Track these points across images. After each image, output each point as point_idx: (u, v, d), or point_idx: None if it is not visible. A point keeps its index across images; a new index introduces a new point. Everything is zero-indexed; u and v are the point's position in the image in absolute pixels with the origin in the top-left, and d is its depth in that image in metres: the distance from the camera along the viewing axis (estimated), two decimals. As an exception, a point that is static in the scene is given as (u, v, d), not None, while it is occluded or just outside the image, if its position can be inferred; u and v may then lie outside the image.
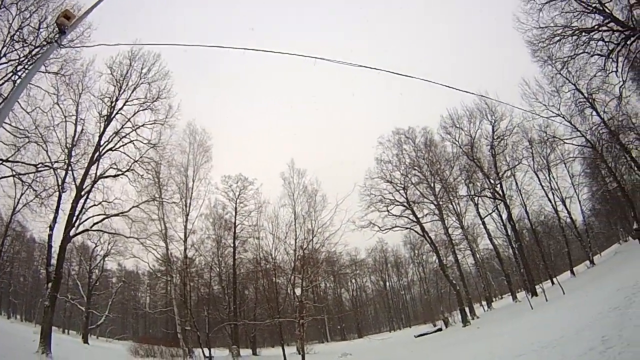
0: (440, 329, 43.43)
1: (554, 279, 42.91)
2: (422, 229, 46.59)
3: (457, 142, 49.53)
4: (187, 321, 35.67)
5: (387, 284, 73.85)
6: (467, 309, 42.34)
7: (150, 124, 33.01)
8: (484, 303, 51.52)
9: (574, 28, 34.17)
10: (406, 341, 39.84)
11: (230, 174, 44.74)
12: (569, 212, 50.56)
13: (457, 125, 49.37)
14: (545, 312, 22.87)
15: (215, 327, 39.02)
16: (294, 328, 27.68)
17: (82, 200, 28.10)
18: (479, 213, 49.20)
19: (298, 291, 28.34)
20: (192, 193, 39.41)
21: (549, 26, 34.88)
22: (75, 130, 29.57)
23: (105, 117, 31.00)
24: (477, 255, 53.78)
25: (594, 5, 32.83)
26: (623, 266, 23.74)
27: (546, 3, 34.11)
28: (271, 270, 37.09)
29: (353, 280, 72.60)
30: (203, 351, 35.40)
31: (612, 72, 34.13)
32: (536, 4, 34.44)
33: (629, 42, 32.29)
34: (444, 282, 52.57)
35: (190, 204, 39.00)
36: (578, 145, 46.36)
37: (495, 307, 47.84)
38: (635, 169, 45.40)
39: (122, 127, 31.75)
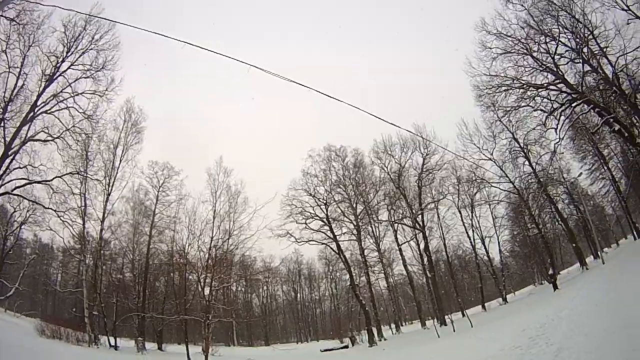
0: (346, 346, 44.36)
1: (465, 312, 44.70)
2: (338, 246, 47.98)
3: (385, 169, 51.37)
4: (95, 306, 34.58)
5: (299, 295, 73.95)
6: (374, 330, 43.54)
7: (90, 94, 33.25)
8: (392, 326, 52.59)
9: (523, 82, 36.60)
10: (311, 354, 40.50)
11: (158, 160, 43.93)
12: (486, 251, 52.84)
13: (389, 152, 51.26)
14: (451, 342, 23.96)
15: (122, 315, 37.56)
16: (200, 327, 27.39)
17: (7, 160, 27.27)
18: (396, 239, 50.80)
19: (207, 290, 28.27)
20: (117, 173, 38.42)
21: (499, 75, 37.02)
22: (16, 85, 29.16)
23: (48, 77, 30.58)
24: (391, 279, 55.32)
25: (548, 64, 35.22)
26: (533, 307, 25.09)
27: (502, 54, 36.27)
28: (183, 265, 36.52)
29: (265, 287, 71.92)
30: (109, 339, 34.18)
31: (551, 128, 36.76)
32: (492, 53, 36.54)
33: (573, 105, 34.79)
34: (354, 301, 53.27)
35: (113, 183, 37.99)
36: (505, 190, 49.28)
37: (403, 332, 49.16)
38: (559, 219, 48.90)
39: (61, 91, 31.48)
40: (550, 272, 41.55)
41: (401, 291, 63.87)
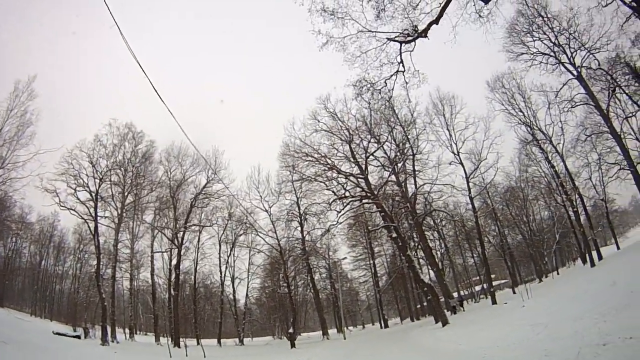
0: (79, 337, 41.95)
1: (200, 341, 49.37)
2: (96, 228, 43.88)
3: (168, 173, 53.77)
4: None
5: (43, 262, 67.31)
6: (109, 329, 43.06)
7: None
8: (127, 330, 54.12)
9: (330, 162, 44.42)
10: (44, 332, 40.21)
11: None
12: (234, 290, 60.81)
13: (179, 161, 53.99)
14: None
15: None
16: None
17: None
18: (152, 245, 53.72)
19: None
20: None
21: (312, 147, 45.18)
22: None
23: None
24: (135, 282, 58.34)
25: (360, 160, 43.58)
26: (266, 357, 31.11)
27: (326, 132, 44.46)
28: None
29: (13, 239, 64.36)
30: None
31: (334, 210, 43.57)
32: (318, 126, 44.44)
33: (364, 201, 43.52)
34: (95, 291, 50.35)
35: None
36: (269, 244, 56.55)
37: (137, 340, 50.96)
38: (311, 288, 57.11)
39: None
40: (291, 330, 46.91)
41: (142, 299, 65.12)
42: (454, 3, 17.33)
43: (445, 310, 39.45)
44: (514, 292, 49.41)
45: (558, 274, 61.74)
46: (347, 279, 75.34)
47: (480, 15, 17.80)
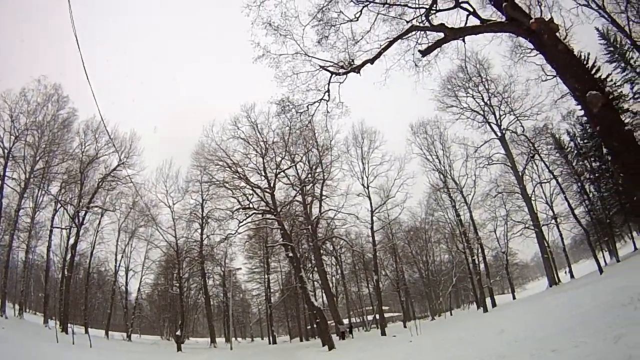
0: None
1: (88, 328, 47.77)
2: None
3: None
4: None
5: None
6: None
7: None
8: None
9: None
10: None
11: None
12: (127, 282, 59.92)
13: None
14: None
15: None
16: None
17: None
18: (53, 219, 49.84)
19: None
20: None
21: None
22: None
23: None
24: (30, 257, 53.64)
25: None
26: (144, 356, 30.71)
27: None
28: None
29: None
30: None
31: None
32: None
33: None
34: None
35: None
36: (167, 240, 54.15)
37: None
38: (204, 293, 56.80)
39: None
40: (178, 333, 45.79)
41: (35, 275, 61.20)
42: (394, 48, 18.11)
43: (335, 335, 40.34)
44: (405, 327, 51.54)
45: (451, 314, 64.65)
46: (241, 290, 75.41)
47: (416, 65, 18.70)
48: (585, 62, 39.49)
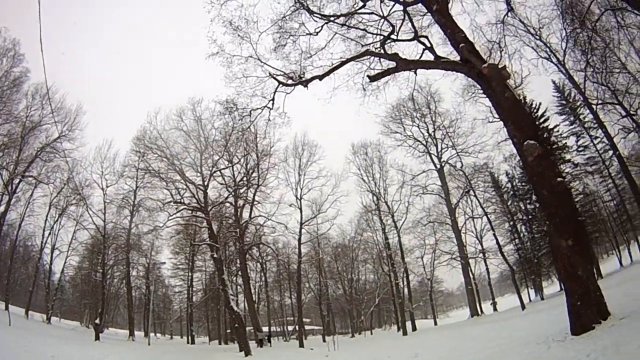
0: None
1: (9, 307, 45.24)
2: None
3: None
4: None
5: None
6: None
7: None
8: None
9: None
10: None
11: None
12: (51, 260, 56.84)
13: None
14: None
15: None
16: None
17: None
18: None
19: None
20: None
21: None
22: None
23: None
24: None
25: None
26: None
27: None
28: None
29: None
30: None
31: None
32: None
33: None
34: None
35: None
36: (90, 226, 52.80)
37: None
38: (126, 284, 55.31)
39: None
40: (97, 321, 44.31)
41: None
42: (345, 69, 18.75)
43: (253, 342, 40.64)
44: (324, 341, 51.72)
45: (372, 334, 65.60)
46: (164, 285, 73.74)
47: (364, 89, 19.15)
48: (535, 111, 42.06)
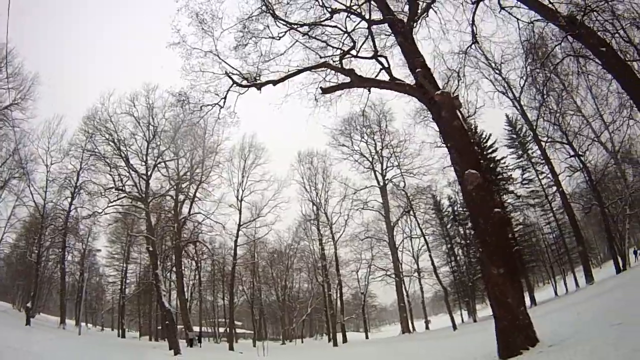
0: None
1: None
2: None
3: None
4: None
5: None
6: None
7: None
8: None
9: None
10: None
11: None
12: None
13: None
14: None
15: None
16: None
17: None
18: None
19: None
20: None
21: None
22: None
23: None
24: None
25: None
26: None
27: None
28: None
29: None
30: None
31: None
32: None
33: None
34: None
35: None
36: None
37: None
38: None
39: None
40: (29, 304, 43.14)
41: None
42: (301, 77, 19.11)
43: (184, 341, 40.54)
44: (254, 345, 51.61)
45: (302, 342, 66.03)
46: (98, 273, 71.97)
47: (316, 99, 19.43)
48: (485, 140, 43.44)
